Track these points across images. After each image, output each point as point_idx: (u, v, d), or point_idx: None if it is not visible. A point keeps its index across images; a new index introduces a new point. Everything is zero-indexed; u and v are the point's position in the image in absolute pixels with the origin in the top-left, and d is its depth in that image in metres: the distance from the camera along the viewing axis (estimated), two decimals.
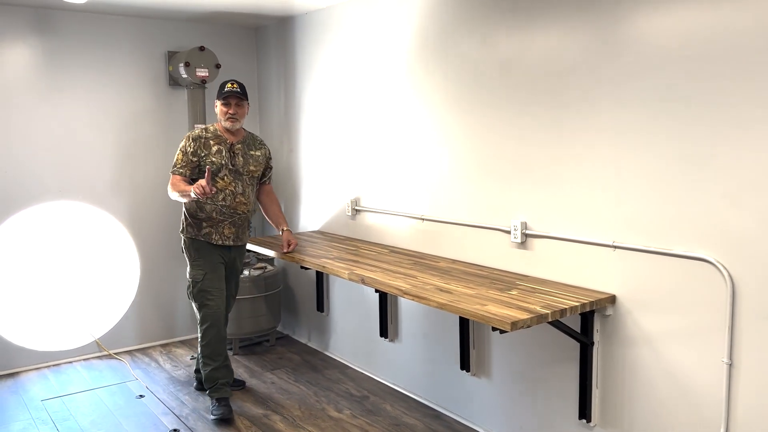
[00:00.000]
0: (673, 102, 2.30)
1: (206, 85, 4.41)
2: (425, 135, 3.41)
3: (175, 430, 3.27)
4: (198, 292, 3.45)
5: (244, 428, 3.27)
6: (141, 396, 3.71)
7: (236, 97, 3.43)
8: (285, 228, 3.71)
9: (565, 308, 2.41)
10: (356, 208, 3.99)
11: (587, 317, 2.62)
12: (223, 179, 3.44)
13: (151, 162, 4.51)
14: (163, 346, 4.59)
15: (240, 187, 3.49)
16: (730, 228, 2.18)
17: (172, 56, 4.46)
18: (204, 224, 3.45)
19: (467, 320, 3.20)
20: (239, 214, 3.51)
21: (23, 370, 4.12)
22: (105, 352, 4.39)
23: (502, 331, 2.32)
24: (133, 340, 4.55)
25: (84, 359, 4.31)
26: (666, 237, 2.37)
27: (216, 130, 3.50)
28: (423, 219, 3.47)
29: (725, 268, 2.19)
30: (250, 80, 4.89)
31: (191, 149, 3.42)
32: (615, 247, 2.54)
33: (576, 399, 2.74)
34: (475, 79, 3.08)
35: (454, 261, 3.25)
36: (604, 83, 2.52)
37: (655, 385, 2.45)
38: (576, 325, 2.65)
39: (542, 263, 2.84)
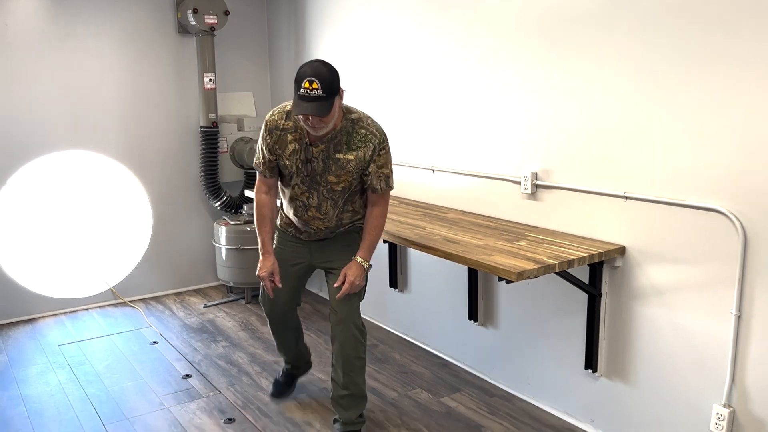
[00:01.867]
0: (687, 50, 2.22)
1: (215, 32, 4.34)
2: (435, 85, 3.35)
3: (187, 375, 3.34)
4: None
5: (255, 374, 3.33)
6: (155, 342, 3.79)
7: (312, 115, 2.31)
8: (356, 258, 2.57)
9: (573, 259, 2.39)
10: None
11: (596, 269, 2.60)
12: (294, 188, 2.59)
13: (162, 110, 4.49)
14: (176, 294, 4.66)
15: (315, 199, 2.56)
16: (743, 178, 2.13)
17: (180, 2, 4.38)
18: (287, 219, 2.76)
19: (475, 271, 3.20)
20: (313, 230, 2.66)
21: (41, 317, 4.22)
22: (120, 300, 4.47)
23: (508, 281, 2.31)
24: (147, 289, 4.62)
25: (100, 306, 4.40)
26: (678, 187, 2.32)
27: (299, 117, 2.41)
28: (433, 170, 3.43)
29: (738, 219, 2.15)
30: (259, 28, 4.80)
31: (268, 143, 2.53)
32: (626, 197, 2.50)
33: (582, 350, 2.75)
34: (487, 29, 2.99)
35: (463, 212, 3.23)
36: (616, 29, 2.43)
37: (661, 337, 2.44)
38: (584, 276, 2.63)
39: (552, 214, 2.81)
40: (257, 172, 2.65)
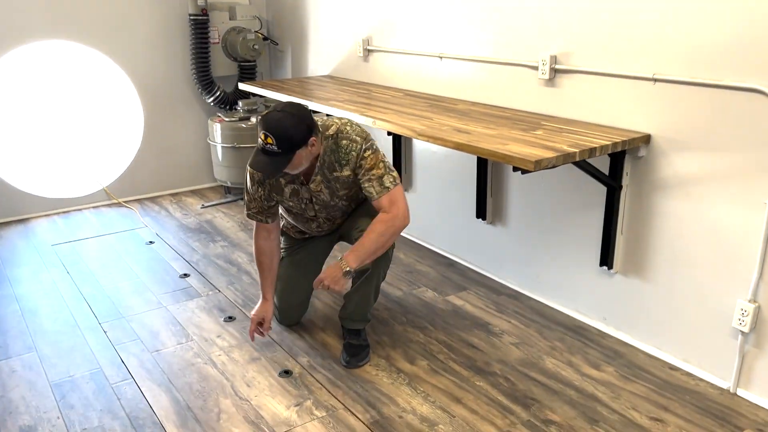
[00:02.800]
0: None
1: None
2: None
3: (185, 274, 3.23)
4: None
5: (255, 273, 3.22)
6: (151, 242, 3.67)
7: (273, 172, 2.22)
8: (342, 257, 2.23)
9: (595, 147, 2.20)
10: (368, 48, 3.68)
11: (617, 159, 2.42)
12: (315, 216, 2.52)
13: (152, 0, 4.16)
14: (172, 195, 4.51)
15: (323, 213, 2.50)
16: None
17: None
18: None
19: (485, 166, 3.02)
20: (322, 230, 2.63)
21: (33, 217, 4.08)
22: (114, 200, 4.33)
23: (524, 171, 2.14)
24: (142, 189, 4.45)
25: (93, 207, 4.25)
26: (714, 67, 2.09)
27: None
28: (441, 57, 3.18)
29: None
30: None
31: (261, 194, 2.42)
32: (655, 80, 2.28)
33: (597, 246, 2.61)
34: None
35: (474, 103, 3.01)
36: None
37: (684, 230, 2.30)
38: (604, 168, 2.46)
39: (571, 102, 2.60)
40: (258, 224, 2.50)
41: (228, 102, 4.38)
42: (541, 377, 2.34)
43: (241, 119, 4.19)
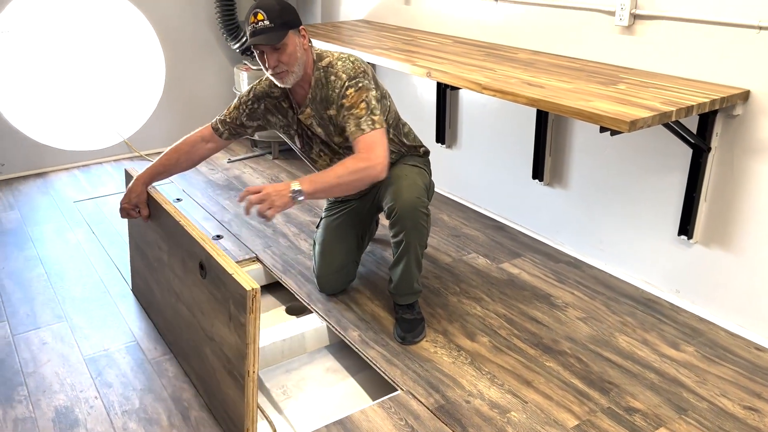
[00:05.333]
0: None
1: None
2: None
3: (218, 236, 3.03)
4: None
5: (292, 235, 3.02)
6: (178, 200, 3.46)
7: (265, 46, 2.02)
8: (294, 180, 1.92)
9: (692, 105, 1.94)
10: None
11: (707, 118, 2.16)
12: (319, 161, 2.34)
13: None
14: None
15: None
16: None
17: None
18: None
19: (544, 122, 2.76)
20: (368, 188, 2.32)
21: (52, 170, 3.87)
22: (135, 153, 4.10)
23: (613, 132, 1.89)
24: (164, 142, 4.21)
25: (114, 160, 4.03)
26: None
27: None
28: (497, 0, 2.88)
29: None
30: None
31: (250, 108, 2.27)
32: (759, 27, 1.99)
33: (674, 213, 2.38)
34: None
35: (536, 52, 2.73)
36: None
37: None
38: (691, 127, 2.20)
39: (654, 52, 2.32)
40: (210, 126, 2.30)
41: None
42: (616, 357, 2.15)
43: None
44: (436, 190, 3.51)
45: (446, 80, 2.46)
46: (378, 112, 2.06)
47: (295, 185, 1.90)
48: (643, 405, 1.93)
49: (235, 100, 2.31)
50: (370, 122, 2.03)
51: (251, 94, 2.28)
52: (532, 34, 2.76)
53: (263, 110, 2.29)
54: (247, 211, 1.89)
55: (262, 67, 2.12)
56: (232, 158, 4.06)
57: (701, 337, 2.26)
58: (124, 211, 2.25)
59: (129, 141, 4.08)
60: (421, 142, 2.46)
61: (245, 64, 4.01)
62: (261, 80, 2.30)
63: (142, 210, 2.24)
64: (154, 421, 1.89)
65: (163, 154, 2.30)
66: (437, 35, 3.20)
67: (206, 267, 1.78)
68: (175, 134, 4.20)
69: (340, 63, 2.13)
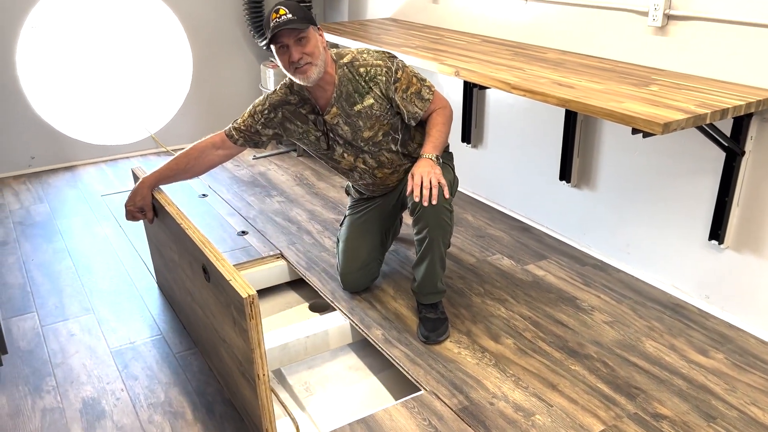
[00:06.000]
0: None
1: None
2: None
3: (243, 232, 3.05)
4: None
5: (317, 233, 3.02)
6: (204, 195, 3.49)
7: (290, 31, 2.03)
8: (424, 155, 2.10)
9: (727, 108, 1.91)
10: None
11: (741, 122, 2.12)
12: (342, 162, 2.37)
13: None
14: None
15: (370, 159, 2.33)
16: None
17: None
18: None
19: (573, 122, 2.73)
20: (390, 184, 2.44)
21: (80, 164, 3.92)
22: (162, 149, 4.14)
23: (646, 134, 1.86)
24: (191, 137, 4.23)
25: (141, 155, 4.08)
26: None
27: (302, 87, 2.24)
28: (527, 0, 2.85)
29: None
30: None
31: (266, 117, 2.28)
32: None
33: (705, 217, 2.34)
34: None
35: (565, 52, 2.70)
36: None
37: None
38: (725, 130, 2.16)
39: (687, 54, 2.28)
40: (223, 133, 2.31)
41: None
42: (643, 363, 2.12)
43: None
44: (460, 189, 3.49)
45: (475, 79, 2.44)
46: (424, 78, 2.26)
47: (431, 155, 2.08)
48: (671, 411, 1.90)
49: (249, 108, 2.32)
50: (428, 91, 2.24)
51: (267, 104, 2.29)
52: (561, 34, 2.73)
53: (281, 118, 2.30)
54: (426, 199, 2.00)
55: (282, 66, 2.12)
56: (257, 155, 4.08)
57: (731, 343, 2.21)
58: (129, 214, 2.27)
59: (156, 136, 4.12)
60: None
61: (272, 61, 4.02)
62: (276, 90, 2.31)
63: (147, 213, 2.25)
64: (179, 414, 1.90)
65: (171, 158, 2.31)
66: (465, 34, 3.18)
67: (209, 271, 1.78)
68: (202, 130, 4.24)
69: (365, 55, 2.22)
